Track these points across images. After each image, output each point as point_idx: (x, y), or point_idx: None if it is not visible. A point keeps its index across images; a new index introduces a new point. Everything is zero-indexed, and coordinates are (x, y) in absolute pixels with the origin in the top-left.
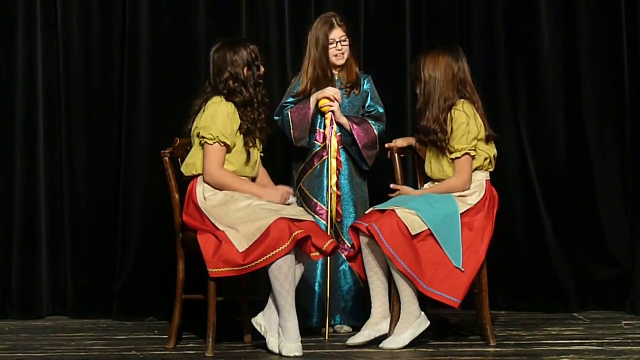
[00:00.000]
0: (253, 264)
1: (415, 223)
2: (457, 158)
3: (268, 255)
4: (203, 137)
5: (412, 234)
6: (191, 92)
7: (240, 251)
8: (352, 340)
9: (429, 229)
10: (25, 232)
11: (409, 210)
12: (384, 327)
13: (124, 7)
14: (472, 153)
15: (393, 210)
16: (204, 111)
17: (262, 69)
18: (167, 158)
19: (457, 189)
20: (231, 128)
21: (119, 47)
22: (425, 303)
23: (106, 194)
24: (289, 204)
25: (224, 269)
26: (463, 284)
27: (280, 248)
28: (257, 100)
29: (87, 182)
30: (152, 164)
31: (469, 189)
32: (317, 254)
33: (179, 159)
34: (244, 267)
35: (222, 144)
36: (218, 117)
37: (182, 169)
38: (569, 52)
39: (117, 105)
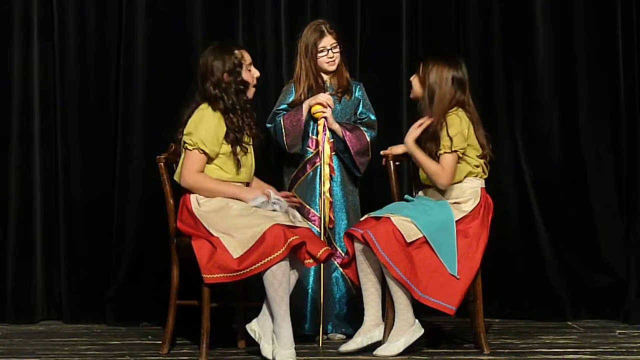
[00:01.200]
0: (248, 270)
1: (410, 230)
2: (444, 153)
3: (263, 261)
4: (185, 142)
5: (408, 241)
6: (187, 97)
7: (234, 257)
8: (344, 348)
9: (424, 236)
10: (21, 237)
11: (404, 218)
12: (377, 335)
13: (120, 12)
14: (460, 154)
15: (388, 217)
16: (191, 118)
17: (254, 73)
18: (162, 163)
19: (437, 179)
20: (215, 137)
21: (115, 52)
22: (420, 311)
23: (101, 198)
24: (273, 210)
25: (218, 275)
26: (459, 291)
27: (276, 254)
28: (240, 107)
29: (82, 186)
30: (148, 169)
31: (447, 186)
32: (311, 261)
33: (174, 165)
34: (238, 273)
35: (201, 151)
36: (202, 124)
37: (175, 178)
38: (565, 58)
39: (112, 110)
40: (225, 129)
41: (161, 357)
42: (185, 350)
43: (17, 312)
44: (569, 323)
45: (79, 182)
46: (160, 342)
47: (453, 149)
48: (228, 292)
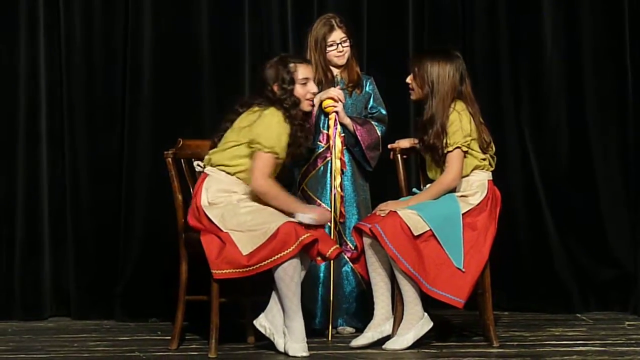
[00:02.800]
0: (257, 266)
1: (417, 224)
2: (448, 152)
3: (273, 258)
4: (258, 144)
5: (415, 234)
6: (194, 94)
7: (244, 254)
8: (355, 342)
9: (430, 229)
10: (28, 234)
11: (410, 211)
12: (387, 329)
13: (126, 8)
14: (464, 148)
15: (395, 211)
16: (259, 117)
17: (313, 88)
18: (170, 159)
19: (447, 184)
20: (285, 142)
21: (122, 48)
22: (428, 304)
23: (109, 194)
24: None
25: (227, 271)
26: (467, 284)
27: (286, 251)
28: (296, 120)
29: (90, 183)
30: (155, 164)
31: (457, 184)
32: (319, 258)
33: (181, 160)
34: (248, 269)
35: (275, 156)
36: (276, 128)
37: (211, 155)
38: (572, 54)
39: (119, 106)
40: (290, 136)
41: (170, 353)
42: (194, 346)
43: (26, 309)
44: (578, 315)
45: (86, 179)
46: (169, 337)
47: (455, 146)
48: (236, 287)
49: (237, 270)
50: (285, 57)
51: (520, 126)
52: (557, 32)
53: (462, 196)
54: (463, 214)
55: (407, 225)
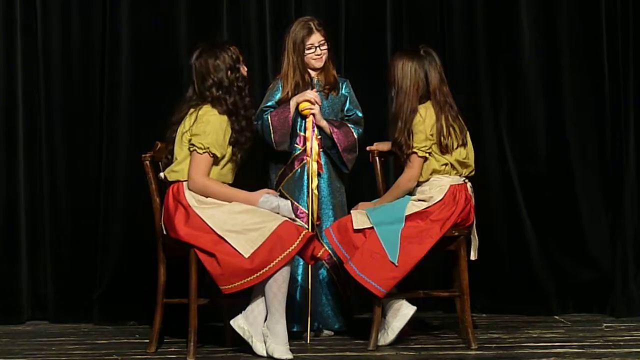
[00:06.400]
0: (265, 269)
1: (361, 220)
2: (406, 154)
3: (280, 257)
4: (193, 145)
5: (354, 227)
6: (172, 97)
7: (246, 257)
8: (384, 341)
9: (372, 227)
10: (6, 237)
11: (361, 211)
12: (405, 311)
13: (104, 11)
14: (420, 153)
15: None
16: (195, 119)
17: (245, 68)
18: (147, 162)
19: (402, 185)
20: (223, 140)
21: (100, 51)
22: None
23: (87, 197)
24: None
25: (237, 283)
26: (394, 278)
27: (292, 248)
28: (243, 106)
29: (68, 186)
30: (133, 168)
31: (413, 185)
32: (311, 259)
33: (159, 163)
34: (256, 275)
35: (212, 155)
36: (211, 127)
37: (166, 174)
38: (550, 56)
39: (97, 110)
40: (230, 131)
41: (149, 356)
42: (173, 349)
43: (3, 313)
44: (556, 317)
45: (64, 182)
46: (147, 340)
47: (413, 150)
48: (215, 289)
49: (246, 280)
50: (214, 44)
51: (498, 127)
52: (535, 33)
53: (420, 200)
54: (411, 215)
55: (352, 221)
